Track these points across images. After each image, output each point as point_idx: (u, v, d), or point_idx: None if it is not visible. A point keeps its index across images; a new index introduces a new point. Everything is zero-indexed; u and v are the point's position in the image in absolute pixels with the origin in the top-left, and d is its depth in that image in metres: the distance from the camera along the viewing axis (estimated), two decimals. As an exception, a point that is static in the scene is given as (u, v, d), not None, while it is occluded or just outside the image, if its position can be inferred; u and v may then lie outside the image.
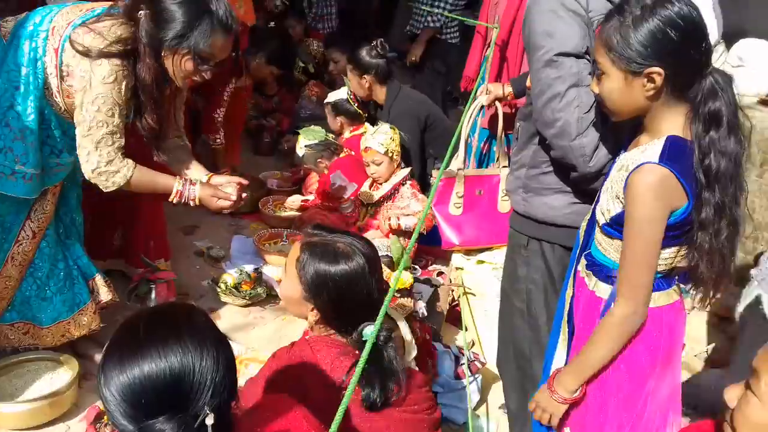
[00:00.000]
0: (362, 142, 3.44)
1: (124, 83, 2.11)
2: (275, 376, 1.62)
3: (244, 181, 2.49)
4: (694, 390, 2.34)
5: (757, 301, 2.36)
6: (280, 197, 4.09)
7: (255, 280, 3.14)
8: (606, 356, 1.57)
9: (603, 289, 1.62)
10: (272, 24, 5.14)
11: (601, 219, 1.58)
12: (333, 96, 4.05)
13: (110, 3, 2.19)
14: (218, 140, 4.10)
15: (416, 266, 3.31)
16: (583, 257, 1.70)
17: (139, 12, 2.09)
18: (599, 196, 1.62)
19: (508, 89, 2.92)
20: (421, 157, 3.81)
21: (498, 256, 2.72)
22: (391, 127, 3.39)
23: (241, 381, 2.19)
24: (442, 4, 4.70)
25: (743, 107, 1.49)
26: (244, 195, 2.47)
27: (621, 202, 1.51)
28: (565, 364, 1.71)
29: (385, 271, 2.61)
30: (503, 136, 2.88)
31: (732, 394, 1.28)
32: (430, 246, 3.36)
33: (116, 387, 1.07)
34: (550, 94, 1.75)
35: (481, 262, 2.84)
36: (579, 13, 1.73)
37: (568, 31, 1.73)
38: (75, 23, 2.11)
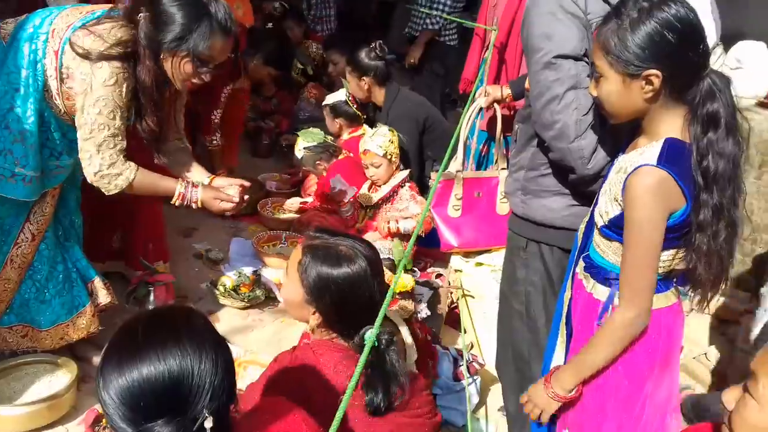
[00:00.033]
0: (361, 145, 3.44)
1: (124, 86, 2.11)
2: (277, 381, 1.61)
3: (246, 183, 2.50)
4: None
5: None
6: (279, 199, 4.09)
7: (254, 283, 3.13)
8: (606, 358, 1.57)
9: (601, 291, 1.62)
10: (270, 25, 5.14)
11: (600, 221, 1.58)
12: (331, 98, 4.05)
13: (110, 5, 2.19)
14: (214, 141, 4.08)
15: (416, 269, 3.31)
16: (581, 259, 1.70)
17: (139, 14, 2.09)
18: (597, 198, 1.63)
19: (507, 91, 2.92)
20: (419, 159, 3.81)
21: (497, 258, 2.72)
22: (389, 130, 3.39)
23: (240, 384, 2.20)
24: (440, 7, 4.70)
25: (741, 109, 1.49)
26: (246, 197, 2.48)
27: (619, 204, 1.51)
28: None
29: (387, 273, 2.61)
30: (502, 138, 2.88)
31: (730, 397, 1.29)
32: (428, 248, 3.36)
33: (115, 390, 1.07)
34: (549, 97, 1.75)
35: (480, 264, 2.84)
36: (577, 16, 1.74)
37: (567, 33, 1.73)
38: (75, 26, 2.11)
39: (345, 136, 4.01)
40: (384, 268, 1.77)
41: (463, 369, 2.53)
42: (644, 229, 1.46)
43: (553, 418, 1.75)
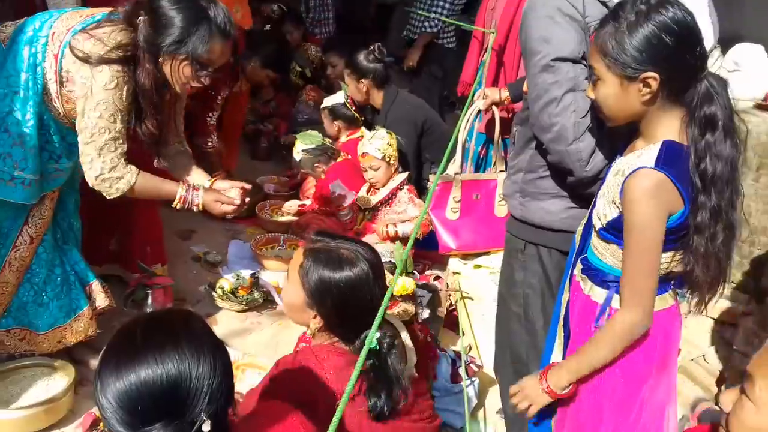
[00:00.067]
0: (359, 148, 3.44)
1: (125, 89, 2.11)
2: (278, 387, 1.59)
3: (248, 186, 2.49)
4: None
5: None
6: (277, 202, 4.09)
7: (252, 286, 3.13)
8: (605, 359, 1.57)
9: (598, 294, 1.62)
10: (268, 27, 5.14)
11: (598, 223, 1.58)
12: (330, 100, 4.05)
13: (110, 9, 2.19)
14: (210, 143, 4.06)
15: (415, 271, 3.31)
16: (579, 261, 1.70)
17: (139, 18, 2.09)
18: (595, 200, 1.63)
19: (505, 94, 2.92)
20: (417, 162, 3.82)
21: (495, 261, 2.72)
22: (387, 132, 3.39)
23: (238, 387, 2.19)
24: (438, 9, 4.70)
25: (739, 111, 1.49)
26: (247, 200, 2.48)
27: (617, 206, 1.51)
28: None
29: (389, 277, 2.61)
30: (500, 140, 2.89)
31: (727, 399, 1.29)
32: (427, 250, 3.36)
33: (113, 394, 1.07)
34: (547, 99, 1.75)
35: (479, 266, 2.84)
36: (575, 18, 1.74)
37: (565, 36, 1.73)
38: (75, 29, 2.11)
39: (343, 138, 4.01)
40: (386, 271, 1.76)
41: (461, 371, 2.53)
42: (645, 231, 1.46)
43: (551, 420, 1.75)
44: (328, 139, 3.87)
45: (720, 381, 2.78)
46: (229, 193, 2.41)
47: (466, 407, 2.29)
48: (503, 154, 2.88)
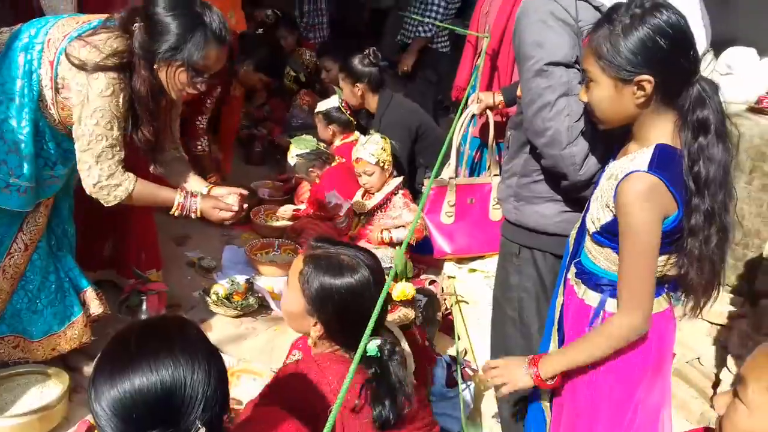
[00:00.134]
0: (353, 153, 3.43)
1: (121, 96, 2.11)
2: (280, 396, 1.56)
3: (245, 192, 2.50)
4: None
5: None
6: (272, 207, 4.08)
7: (247, 291, 3.12)
8: (597, 358, 1.58)
9: (592, 297, 1.62)
10: (261, 30, 5.13)
11: (591, 227, 1.59)
12: (324, 105, 4.05)
13: (106, 15, 2.19)
14: (199, 147, 4.03)
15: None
16: (573, 265, 1.70)
17: (134, 24, 2.09)
18: (589, 204, 1.63)
19: (499, 98, 2.93)
20: (410, 167, 3.82)
21: (490, 265, 2.72)
22: (381, 137, 3.39)
23: (233, 393, 2.18)
24: (432, 14, 4.72)
25: (732, 115, 1.50)
26: (245, 206, 2.47)
27: (611, 210, 1.52)
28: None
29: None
30: (494, 144, 2.89)
31: (721, 402, 1.29)
32: (422, 255, 3.36)
33: (107, 401, 1.07)
34: (541, 104, 1.76)
35: (473, 270, 2.85)
36: (568, 23, 1.75)
37: (558, 40, 1.74)
38: (71, 36, 2.11)
39: (337, 142, 4.01)
40: (386, 277, 1.75)
41: (456, 375, 2.53)
42: (639, 234, 1.46)
43: (545, 423, 1.75)
44: (322, 144, 3.87)
45: (715, 384, 2.79)
46: (227, 199, 2.41)
47: (462, 411, 2.29)
48: (497, 158, 2.88)
